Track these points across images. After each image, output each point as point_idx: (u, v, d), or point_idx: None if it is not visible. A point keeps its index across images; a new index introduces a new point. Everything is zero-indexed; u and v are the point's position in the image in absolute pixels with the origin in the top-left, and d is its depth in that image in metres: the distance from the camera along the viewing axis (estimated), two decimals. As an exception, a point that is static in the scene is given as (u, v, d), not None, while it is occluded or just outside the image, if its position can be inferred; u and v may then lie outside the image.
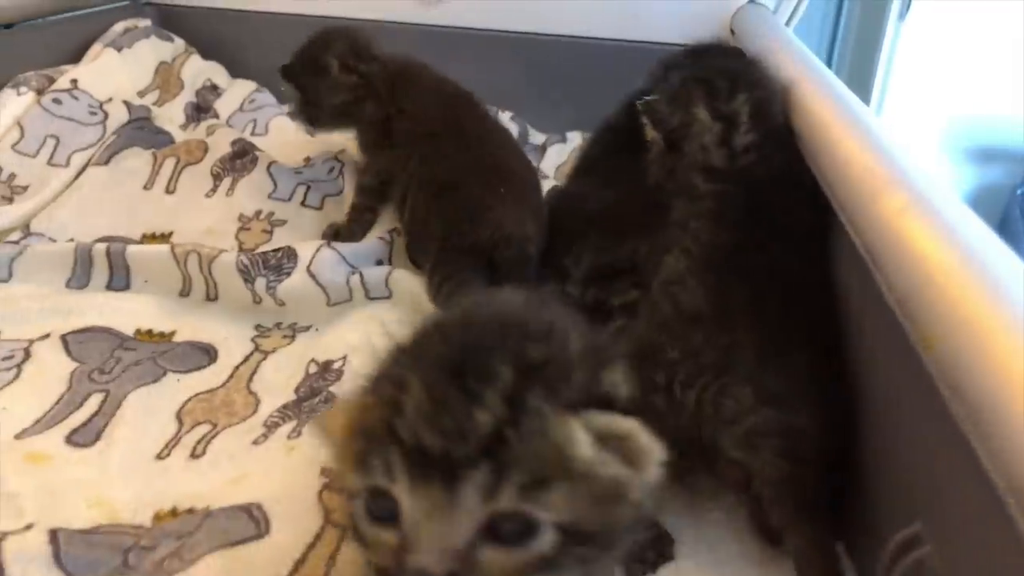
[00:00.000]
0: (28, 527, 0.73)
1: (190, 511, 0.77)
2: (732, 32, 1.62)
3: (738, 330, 0.74)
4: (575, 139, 1.71)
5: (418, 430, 0.39)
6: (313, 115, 1.37)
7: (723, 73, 0.93)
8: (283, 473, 0.79)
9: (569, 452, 0.40)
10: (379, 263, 1.25)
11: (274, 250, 1.19)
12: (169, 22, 1.88)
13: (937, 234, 0.54)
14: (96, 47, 1.67)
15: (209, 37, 1.86)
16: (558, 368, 0.43)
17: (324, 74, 1.31)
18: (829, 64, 2.16)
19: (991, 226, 0.54)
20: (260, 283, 1.15)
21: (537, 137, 1.78)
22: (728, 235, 0.83)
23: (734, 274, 0.79)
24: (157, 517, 0.77)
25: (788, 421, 0.70)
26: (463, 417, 0.39)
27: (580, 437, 0.41)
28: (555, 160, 1.67)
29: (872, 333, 0.73)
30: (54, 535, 0.72)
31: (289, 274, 1.16)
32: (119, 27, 1.73)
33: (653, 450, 0.43)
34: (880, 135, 0.75)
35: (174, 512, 0.78)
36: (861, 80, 2.05)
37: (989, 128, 2.00)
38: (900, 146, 0.72)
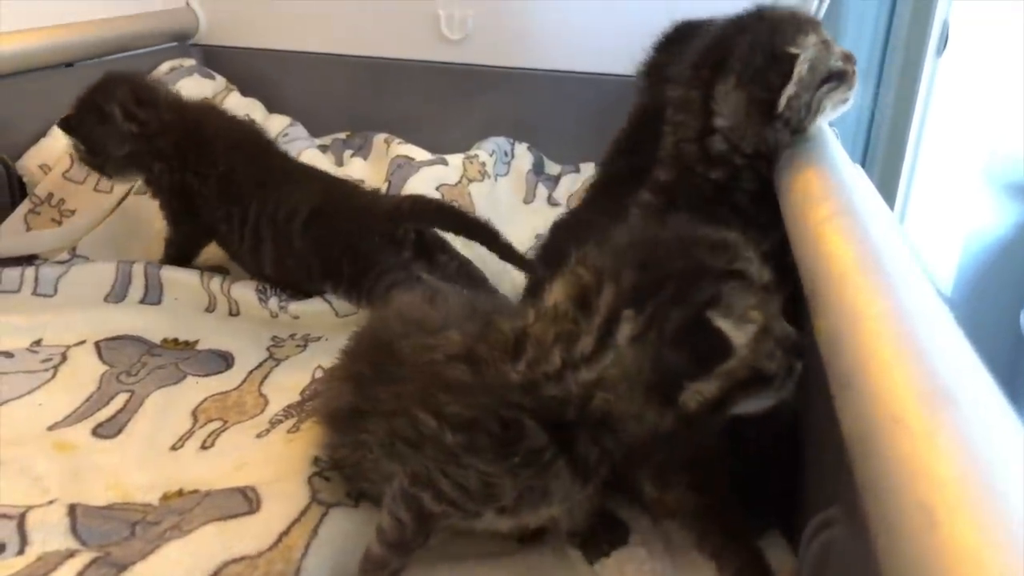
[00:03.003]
0: (50, 503, 0.82)
1: (194, 492, 0.85)
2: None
3: None
4: (588, 170, 1.78)
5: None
6: (99, 165, 1.33)
7: None
8: (279, 461, 0.87)
9: None
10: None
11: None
12: (212, 61, 2.02)
13: (845, 241, 0.60)
14: (144, 84, 1.81)
15: (248, 75, 2.00)
16: None
17: (108, 122, 1.28)
18: (875, 102, 2.19)
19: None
20: (273, 302, 1.26)
21: (552, 168, 1.86)
22: None
23: None
24: (165, 497, 0.86)
25: (694, 454, 0.72)
26: None
27: None
28: (568, 189, 1.75)
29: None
30: (72, 509, 0.80)
31: (300, 299, 1.29)
32: (166, 66, 1.87)
33: None
34: (833, 156, 0.81)
35: (180, 493, 0.86)
36: (903, 114, 2.06)
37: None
38: (846, 164, 0.78)
